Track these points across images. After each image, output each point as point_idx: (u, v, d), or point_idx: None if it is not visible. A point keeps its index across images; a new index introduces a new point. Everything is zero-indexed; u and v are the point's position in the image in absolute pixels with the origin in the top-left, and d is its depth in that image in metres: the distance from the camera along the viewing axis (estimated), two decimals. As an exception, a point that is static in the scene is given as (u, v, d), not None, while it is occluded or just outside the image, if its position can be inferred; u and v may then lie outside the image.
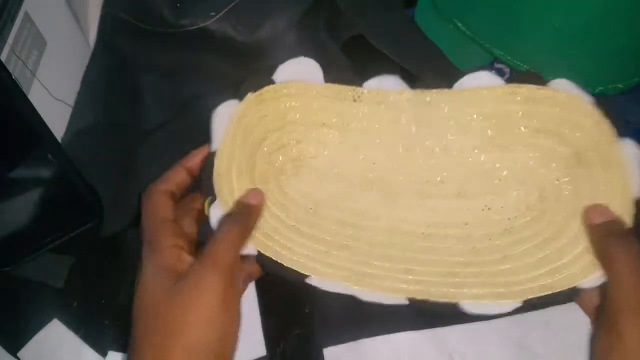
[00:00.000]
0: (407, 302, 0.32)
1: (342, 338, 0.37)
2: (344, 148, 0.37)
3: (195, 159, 0.35)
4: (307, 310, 0.38)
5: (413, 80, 0.36)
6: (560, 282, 0.31)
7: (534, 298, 0.31)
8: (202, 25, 0.47)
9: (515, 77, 0.35)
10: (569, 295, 0.31)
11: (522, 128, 0.35)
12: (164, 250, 0.31)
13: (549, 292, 0.31)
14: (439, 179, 0.36)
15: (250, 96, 0.35)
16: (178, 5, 0.47)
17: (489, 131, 0.35)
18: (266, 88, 0.36)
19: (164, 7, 0.47)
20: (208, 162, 0.34)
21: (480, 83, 0.35)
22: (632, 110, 0.43)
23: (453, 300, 0.32)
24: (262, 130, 0.36)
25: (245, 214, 0.33)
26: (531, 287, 0.32)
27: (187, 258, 0.31)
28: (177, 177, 0.34)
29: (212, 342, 0.28)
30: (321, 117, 0.37)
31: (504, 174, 0.36)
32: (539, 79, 0.34)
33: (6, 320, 0.39)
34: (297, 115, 0.37)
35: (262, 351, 0.37)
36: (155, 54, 0.48)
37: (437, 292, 0.32)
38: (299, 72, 0.36)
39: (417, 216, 0.36)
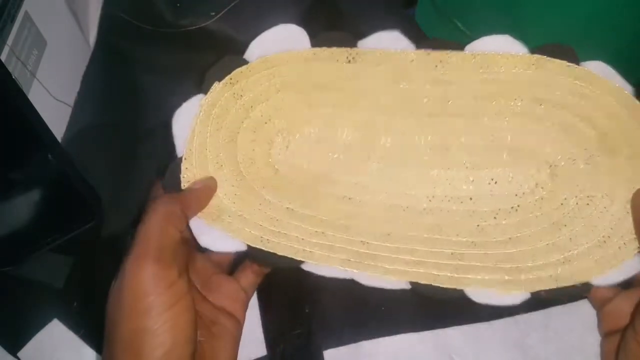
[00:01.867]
0: (409, 287, 0.30)
1: (342, 338, 0.37)
2: (339, 114, 0.34)
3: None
4: (307, 310, 0.38)
5: (418, 40, 0.33)
6: (571, 274, 0.29)
7: (542, 291, 0.29)
8: (202, 25, 0.47)
9: (545, 47, 0.32)
10: (581, 291, 0.29)
11: (540, 104, 0.32)
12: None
13: (558, 286, 0.29)
14: (444, 147, 0.34)
15: (217, 86, 0.31)
16: (178, 5, 0.47)
17: (501, 100, 0.32)
18: (237, 70, 0.32)
19: (164, 7, 0.47)
20: (171, 172, 0.31)
21: (497, 48, 0.32)
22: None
23: (459, 287, 0.30)
24: (241, 110, 0.33)
25: (176, 196, 0.30)
26: (539, 277, 0.30)
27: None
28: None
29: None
30: (311, 81, 0.33)
31: (514, 145, 0.33)
32: (571, 55, 0.31)
33: (6, 320, 0.39)
34: (281, 85, 0.33)
35: (262, 351, 0.37)
36: (155, 54, 0.48)
37: (441, 277, 0.30)
38: (280, 42, 0.32)
39: (419, 189, 0.33)
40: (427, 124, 0.34)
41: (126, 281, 0.27)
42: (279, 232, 0.32)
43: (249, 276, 0.35)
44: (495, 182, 0.33)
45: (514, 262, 0.31)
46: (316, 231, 0.32)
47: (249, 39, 0.47)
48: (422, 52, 0.32)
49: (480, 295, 0.30)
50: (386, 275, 0.31)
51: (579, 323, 0.34)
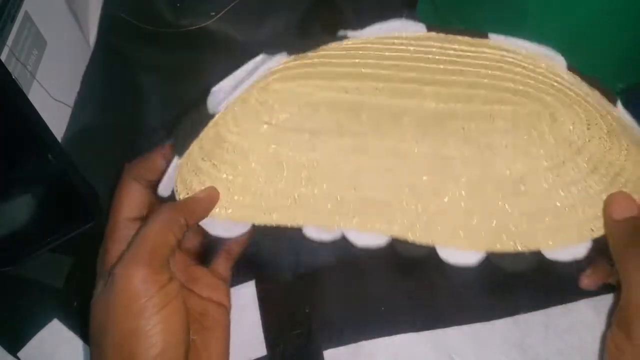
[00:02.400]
0: (386, 243, 0.32)
1: (342, 338, 0.37)
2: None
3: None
4: (307, 310, 0.38)
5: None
6: (525, 239, 0.30)
7: (498, 253, 0.30)
8: (202, 25, 0.47)
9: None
10: (532, 261, 0.30)
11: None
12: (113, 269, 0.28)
13: (513, 250, 0.30)
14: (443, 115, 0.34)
15: (194, 148, 0.29)
16: (178, 5, 0.47)
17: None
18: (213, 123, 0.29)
19: (164, 7, 0.47)
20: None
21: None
22: (632, 110, 0.43)
23: (431, 244, 0.32)
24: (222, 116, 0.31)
25: (179, 204, 0.30)
26: (500, 237, 0.31)
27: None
28: (154, 163, 0.31)
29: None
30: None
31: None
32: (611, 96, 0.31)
33: (6, 320, 0.39)
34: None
35: (262, 351, 0.37)
36: (155, 54, 0.48)
37: (415, 234, 0.32)
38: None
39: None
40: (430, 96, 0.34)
41: (117, 285, 0.27)
42: (265, 205, 0.33)
43: (224, 262, 0.35)
44: (464, 130, 0.34)
45: (474, 220, 0.32)
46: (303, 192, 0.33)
47: (249, 39, 0.47)
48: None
49: (446, 253, 0.31)
50: (368, 230, 0.32)
51: (579, 324, 0.34)
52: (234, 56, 0.47)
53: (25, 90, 0.38)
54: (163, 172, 0.30)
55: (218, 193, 0.33)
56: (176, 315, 0.27)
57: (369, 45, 0.29)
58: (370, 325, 0.37)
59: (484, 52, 0.29)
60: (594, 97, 0.29)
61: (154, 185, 0.30)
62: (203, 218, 0.32)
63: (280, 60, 0.28)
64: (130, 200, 0.31)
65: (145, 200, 0.31)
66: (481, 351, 0.36)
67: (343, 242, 0.35)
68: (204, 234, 0.33)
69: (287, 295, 0.38)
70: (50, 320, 0.39)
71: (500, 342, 0.36)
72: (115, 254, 0.29)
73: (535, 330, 0.36)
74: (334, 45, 0.28)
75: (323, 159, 0.34)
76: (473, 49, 0.29)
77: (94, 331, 0.27)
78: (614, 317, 0.29)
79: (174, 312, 0.27)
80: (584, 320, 0.34)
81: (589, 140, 0.32)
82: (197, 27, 0.47)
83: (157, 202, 0.31)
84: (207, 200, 0.32)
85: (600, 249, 0.30)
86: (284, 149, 0.34)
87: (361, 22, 0.29)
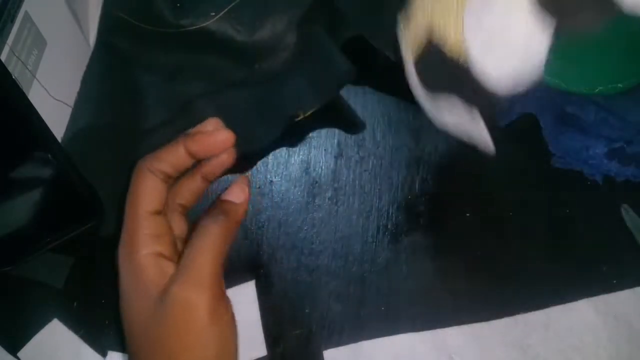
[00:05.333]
0: None
1: (342, 338, 0.37)
2: None
3: (201, 144, 0.30)
4: (307, 311, 0.38)
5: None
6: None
7: None
8: (202, 25, 0.47)
9: None
10: None
11: None
12: (141, 260, 0.28)
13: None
14: None
15: None
16: (178, 5, 0.47)
17: None
18: None
19: (164, 7, 0.47)
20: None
21: None
22: (632, 110, 0.43)
23: None
24: None
25: (227, 213, 0.30)
26: None
27: (168, 268, 0.28)
28: (175, 157, 0.30)
29: None
30: None
31: None
32: None
33: (6, 320, 0.39)
34: None
35: (262, 351, 0.37)
36: (155, 54, 0.48)
37: None
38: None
39: None
40: None
41: (176, 306, 0.27)
42: None
43: (197, 182, 0.33)
44: None
45: None
46: None
47: (249, 39, 0.47)
48: None
49: None
50: None
51: (579, 323, 0.34)
52: (234, 56, 0.47)
53: (25, 90, 0.38)
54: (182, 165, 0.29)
55: (248, 187, 0.32)
56: (231, 338, 0.28)
57: None
58: (370, 325, 0.37)
59: None
60: None
61: (169, 179, 0.30)
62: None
63: None
64: (149, 193, 0.30)
65: (163, 194, 0.30)
66: (481, 351, 0.36)
67: (342, 241, 0.35)
68: None
69: (287, 295, 0.38)
70: (50, 320, 0.39)
71: (500, 342, 0.36)
72: (138, 249, 0.28)
73: (535, 330, 0.36)
74: None
75: None
76: None
77: (140, 341, 0.28)
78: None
79: (230, 326, 0.28)
80: (584, 320, 0.34)
81: None
82: (197, 27, 0.47)
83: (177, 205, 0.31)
84: (244, 204, 0.31)
85: None
86: None
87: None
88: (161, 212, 0.30)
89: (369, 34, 0.46)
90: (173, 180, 0.31)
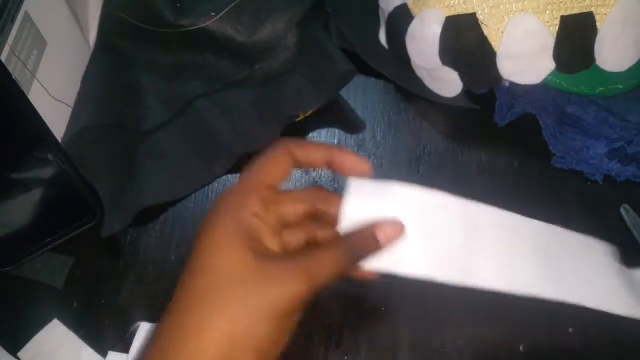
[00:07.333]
0: None
1: (342, 338, 0.37)
2: None
3: (346, 159, 0.30)
4: (307, 311, 0.38)
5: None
6: None
7: None
8: (202, 25, 0.47)
9: None
10: None
11: None
12: (247, 219, 0.27)
13: None
14: None
15: None
16: (178, 5, 0.47)
17: None
18: None
19: (164, 7, 0.47)
20: None
21: None
22: (632, 110, 0.43)
23: None
24: None
25: (364, 253, 0.29)
26: None
27: (270, 240, 0.28)
28: (316, 153, 0.30)
29: (272, 342, 0.26)
30: None
31: None
32: None
33: (6, 320, 0.39)
34: None
35: (262, 351, 0.37)
36: (155, 54, 0.48)
37: None
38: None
39: None
40: None
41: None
42: None
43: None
44: None
45: None
46: None
47: (249, 39, 0.47)
48: None
49: None
50: None
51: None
52: (234, 56, 0.47)
53: (25, 90, 0.38)
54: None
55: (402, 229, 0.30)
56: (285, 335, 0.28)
57: None
58: (370, 325, 0.37)
59: None
60: None
61: (295, 167, 0.30)
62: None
63: None
64: (279, 168, 0.30)
65: (287, 175, 0.30)
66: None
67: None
68: None
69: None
70: (50, 320, 0.39)
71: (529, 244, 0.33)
72: (248, 206, 0.28)
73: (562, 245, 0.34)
74: None
75: None
76: None
77: (214, 279, 0.26)
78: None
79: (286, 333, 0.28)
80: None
81: None
82: (197, 27, 0.47)
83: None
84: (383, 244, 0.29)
85: None
86: None
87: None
88: (277, 189, 0.30)
89: (362, 51, 0.47)
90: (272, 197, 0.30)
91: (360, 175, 0.30)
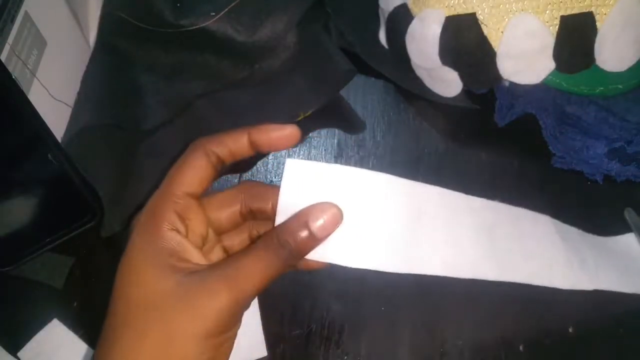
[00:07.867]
0: None
1: (342, 338, 0.37)
2: None
3: (267, 134, 0.28)
4: (307, 311, 0.38)
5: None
6: None
7: None
8: (202, 25, 0.47)
9: None
10: None
11: None
12: (163, 232, 0.26)
13: None
14: None
15: None
16: (178, 5, 0.47)
17: None
18: None
19: (164, 7, 0.47)
20: None
21: None
22: (632, 110, 0.43)
23: None
24: None
25: (299, 250, 0.26)
26: None
27: (193, 254, 0.26)
28: (236, 143, 0.28)
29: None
30: None
31: None
32: None
33: (6, 320, 0.39)
34: None
35: (262, 352, 0.37)
36: (155, 54, 0.48)
37: None
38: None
39: None
40: None
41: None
42: None
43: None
44: None
45: None
46: None
47: (249, 39, 0.47)
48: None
49: None
50: None
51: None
52: (234, 56, 0.47)
53: (25, 90, 0.38)
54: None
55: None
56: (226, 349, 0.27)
57: None
58: (370, 325, 0.37)
59: None
60: None
61: (220, 165, 0.28)
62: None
63: None
64: (193, 173, 0.28)
65: (206, 179, 0.28)
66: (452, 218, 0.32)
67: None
68: None
69: (287, 295, 0.38)
70: (50, 320, 0.39)
71: (473, 221, 0.33)
72: (161, 222, 0.26)
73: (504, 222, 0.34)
74: None
75: None
76: None
77: (130, 308, 0.26)
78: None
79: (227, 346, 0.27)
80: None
81: None
82: (197, 27, 0.47)
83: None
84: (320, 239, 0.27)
85: None
86: None
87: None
88: (198, 197, 0.28)
89: (362, 51, 0.47)
90: (221, 170, 0.28)
91: (291, 141, 0.28)
